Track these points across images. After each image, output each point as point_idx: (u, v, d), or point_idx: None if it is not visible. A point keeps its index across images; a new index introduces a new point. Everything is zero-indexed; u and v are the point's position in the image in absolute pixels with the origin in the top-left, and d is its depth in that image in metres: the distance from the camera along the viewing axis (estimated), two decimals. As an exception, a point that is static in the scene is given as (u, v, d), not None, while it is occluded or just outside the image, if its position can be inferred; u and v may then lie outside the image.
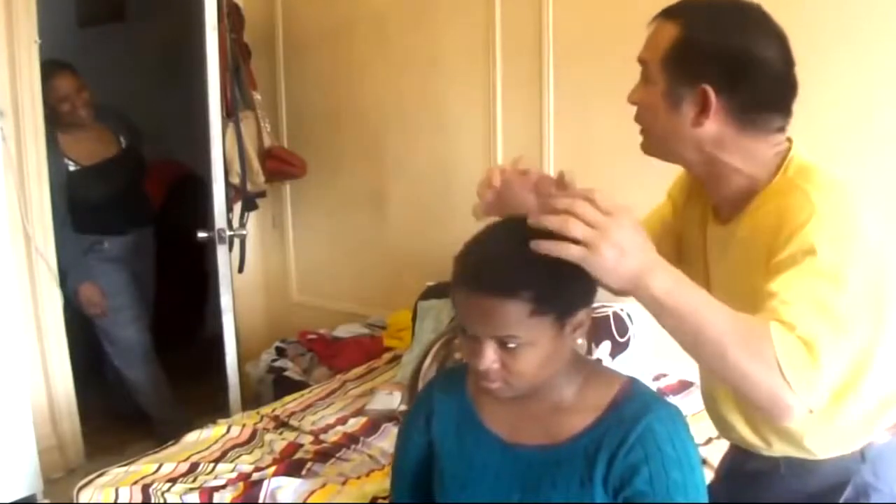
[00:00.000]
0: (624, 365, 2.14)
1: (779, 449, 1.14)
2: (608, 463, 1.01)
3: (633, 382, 1.09)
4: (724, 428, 1.20)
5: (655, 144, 1.11)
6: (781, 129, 1.07)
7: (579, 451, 1.03)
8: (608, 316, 2.28)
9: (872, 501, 1.11)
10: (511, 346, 0.98)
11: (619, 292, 0.92)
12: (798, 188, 1.00)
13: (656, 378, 2.21)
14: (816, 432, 1.10)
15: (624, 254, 0.88)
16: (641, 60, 1.09)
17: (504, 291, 0.95)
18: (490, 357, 0.99)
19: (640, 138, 1.13)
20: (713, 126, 1.04)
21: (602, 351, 2.23)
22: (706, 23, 1.03)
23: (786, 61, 1.04)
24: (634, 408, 1.03)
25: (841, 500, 1.11)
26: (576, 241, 0.88)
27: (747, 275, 1.04)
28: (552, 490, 1.03)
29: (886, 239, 1.05)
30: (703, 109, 1.03)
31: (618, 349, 2.26)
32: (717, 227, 1.15)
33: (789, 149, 1.07)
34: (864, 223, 1.01)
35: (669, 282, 0.91)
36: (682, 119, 1.05)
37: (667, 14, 1.07)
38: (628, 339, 2.26)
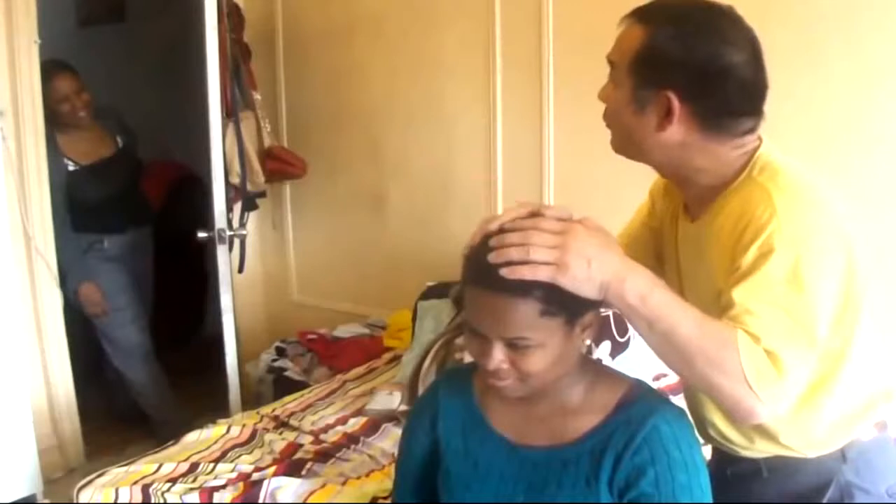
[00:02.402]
0: (624, 365, 2.14)
1: (761, 447, 1.13)
2: (614, 464, 1.01)
3: (639, 384, 1.09)
4: (704, 426, 1.20)
5: (623, 144, 1.12)
6: (752, 130, 1.07)
7: (585, 453, 1.03)
8: (608, 316, 2.28)
9: (856, 501, 1.11)
10: (521, 346, 0.98)
11: (597, 299, 0.95)
12: (761, 188, 1.01)
13: (656, 378, 2.21)
14: (792, 430, 1.10)
15: (590, 261, 0.92)
16: (610, 60, 1.09)
17: (516, 291, 0.95)
18: (499, 357, 0.99)
19: None
20: (678, 131, 1.04)
21: (602, 351, 2.24)
22: (673, 29, 1.02)
23: (755, 65, 1.03)
24: (641, 409, 1.03)
25: (824, 501, 1.11)
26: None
27: (712, 272, 1.05)
28: (558, 491, 1.04)
29: (873, 235, 1.05)
30: (667, 115, 1.03)
31: (618, 349, 2.26)
32: (686, 224, 1.16)
33: (758, 147, 1.07)
34: (829, 224, 1.01)
35: (643, 287, 0.94)
36: (646, 123, 1.05)
37: (636, 16, 1.06)
38: (628, 339, 2.26)
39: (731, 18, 1.04)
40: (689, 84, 1.01)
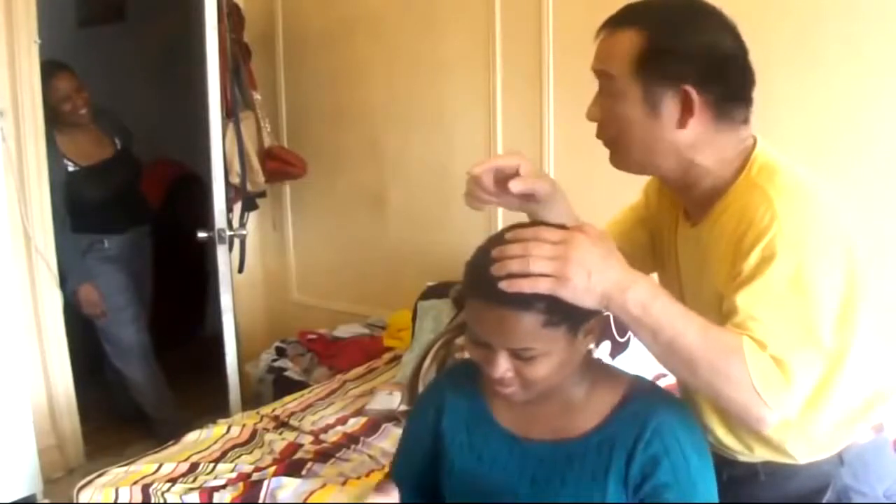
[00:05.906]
0: (624, 365, 2.12)
1: (760, 454, 1.13)
2: (627, 460, 1.01)
3: (639, 380, 1.10)
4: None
5: (631, 157, 1.09)
6: (746, 121, 1.07)
7: (591, 448, 1.04)
8: (608, 316, 2.27)
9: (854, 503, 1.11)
10: (526, 356, 0.98)
11: (598, 309, 0.95)
12: (760, 190, 1.00)
13: (656, 378, 2.19)
14: (797, 439, 1.09)
15: (591, 273, 0.92)
16: (603, 73, 1.06)
17: (517, 304, 0.94)
18: (503, 366, 1.00)
19: None
20: (696, 124, 1.03)
21: (602, 351, 2.23)
22: (668, 24, 1.02)
23: (743, 50, 1.05)
24: (645, 403, 1.04)
25: None
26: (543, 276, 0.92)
27: (713, 277, 1.04)
28: (562, 485, 1.05)
29: (870, 236, 1.05)
30: (687, 110, 1.02)
31: (618, 349, 2.25)
32: (687, 229, 1.15)
33: (753, 146, 1.07)
34: (829, 224, 1.00)
35: (644, 296, 0.93)
36: (663, 125, 1.03)
37: (619, 22, 1.05)
38: (628, 339, 2.26)
39: (712, 7, 1.05)
40: (700, 73, 1.01)
